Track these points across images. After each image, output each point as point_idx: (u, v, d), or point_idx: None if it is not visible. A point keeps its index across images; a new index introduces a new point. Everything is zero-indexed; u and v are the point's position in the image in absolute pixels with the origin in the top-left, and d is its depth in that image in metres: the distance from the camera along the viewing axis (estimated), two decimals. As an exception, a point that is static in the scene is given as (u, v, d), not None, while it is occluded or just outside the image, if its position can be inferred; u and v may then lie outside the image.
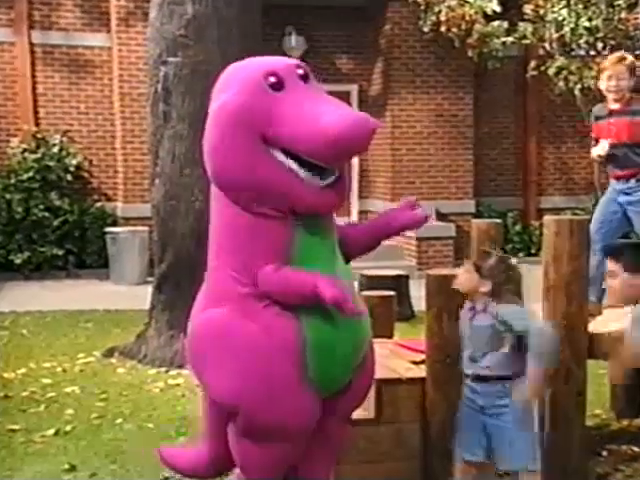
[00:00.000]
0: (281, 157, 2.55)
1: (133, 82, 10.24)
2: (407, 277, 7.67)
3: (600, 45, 9.10)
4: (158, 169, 6.00)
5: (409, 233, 10.35)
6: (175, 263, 5.93)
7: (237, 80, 2.64)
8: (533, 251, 10.95)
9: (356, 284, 6.89)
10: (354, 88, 11.45)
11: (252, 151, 2.53)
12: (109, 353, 6.17)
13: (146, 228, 9.67)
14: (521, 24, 9.72)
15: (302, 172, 2.55)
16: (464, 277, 3.07)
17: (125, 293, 9.02)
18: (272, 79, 2.56)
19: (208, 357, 2.66)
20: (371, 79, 11.44)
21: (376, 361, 2.97)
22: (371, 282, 7.05)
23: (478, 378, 3.03)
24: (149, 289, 6.42)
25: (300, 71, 2.65)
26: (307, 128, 2.48)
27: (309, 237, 2.65)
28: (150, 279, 7.46)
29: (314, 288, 2.50)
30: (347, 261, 2.83)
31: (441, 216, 10.81)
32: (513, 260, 3.16)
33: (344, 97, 10.98)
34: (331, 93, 2.72)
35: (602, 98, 4.49)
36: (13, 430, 4.46)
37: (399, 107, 10.85)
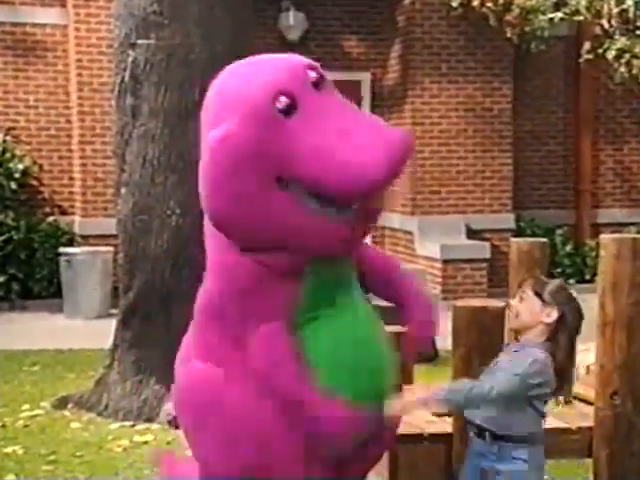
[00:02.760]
0: (300, 198, 2.58)
1: (94, 69, 10.32)
2: (431, 309, 7.68)
3: (671, 22, 9.17)
4: (125, 176, 6.04)
5: (433, 254, 10.38)
6: (145, 291, 5.95)
7: (239, 103, 2.57)
8: (587, 277, 10.96)
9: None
10: (366, 77, 11.53)
11: (265, 194, 2.55)
12: (61, 403, 6.17)
13: (110, 248, 9.69)
14: (572, -3, 9.79)
15: (320, 208, 2.59)
16: (523, 306, 3.04)
17: (82, 329, 9.02)
18: (283, 100, 2.54)
19: (198, 419, 2.80)
20: (387, 65, 11.51)
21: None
22: (385, 314, 7.04)
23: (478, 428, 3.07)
24: (112, 324, 6.44)
25: (312, 74, 2.62)
26: (334, 167, 2.48)
27: (322, 284, 2.74)
28: (114, 311, 7.45)
29: (316, 417, 2.63)
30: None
31: (473, 233, 10.84)
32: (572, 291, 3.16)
33: (354, 88, 11.05)
34: (338, 82, 2.75)
35: None
36: (-60, 500, 4.47)
37: (421, 100, 10.91)
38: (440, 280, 10.34)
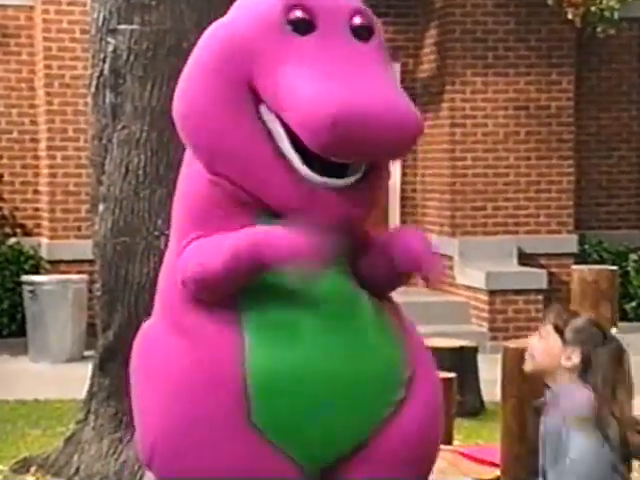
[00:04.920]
0: (272, 123, 2.75)
1: (66, 59, 10.38)
2: (475, 350, 7.69)
3: None
4: (103, 189, 6.07)
5: (477, 284, 10.36)
6: (127, 329, 5.95)
7: (252, 4, 2.84)
8: (667, 312, 10.93)
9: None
10: (396, 68, 11.58)
11: (236, 113, 2.75)
12: (23, 467, 6.16)
13: (84, 277, 9.73)
14: (647, -29, 9.81)
15: (296, 161, 2.74)
16: (540, 345, 3.03)
17: (50, 375, 9.03)
18: (298, 14, 2.74)
19: (133, 386, 3.03)
20: (420, 54, 11.55)
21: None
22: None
23: None
24: (87, 369, 6.45)
25: (357, 20, 2.85)
26: (306, 99, 2.61)
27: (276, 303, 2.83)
28: (89, 354, 7.47)
29: (239, 246, 2.71)
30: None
31: (525, 258, 10.82)
32: (613, 330, 3.11)
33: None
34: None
35: None
36: None
37: (462, 96, 10.94)
38: (486, 315, 10.31)
